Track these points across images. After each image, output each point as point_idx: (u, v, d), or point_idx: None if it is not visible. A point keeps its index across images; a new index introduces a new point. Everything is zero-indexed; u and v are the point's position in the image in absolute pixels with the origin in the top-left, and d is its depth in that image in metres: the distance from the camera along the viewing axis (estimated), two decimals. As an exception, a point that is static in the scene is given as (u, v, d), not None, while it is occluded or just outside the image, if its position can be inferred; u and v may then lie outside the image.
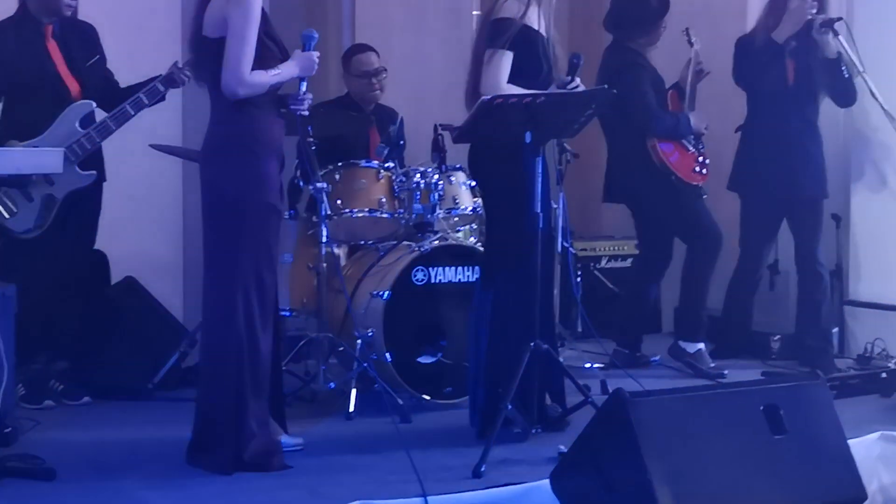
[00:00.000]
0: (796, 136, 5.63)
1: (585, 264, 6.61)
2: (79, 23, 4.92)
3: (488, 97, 4.17)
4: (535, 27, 4.38)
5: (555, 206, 5.32)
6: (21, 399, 4.74)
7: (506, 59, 4.34)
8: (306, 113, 4.19)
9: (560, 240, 5.53)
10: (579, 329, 6.20)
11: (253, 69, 3.91)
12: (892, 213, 5.99)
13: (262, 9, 3.96)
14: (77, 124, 4.72)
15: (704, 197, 5.73)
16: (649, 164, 5.62)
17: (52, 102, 4.73)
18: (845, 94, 5.67)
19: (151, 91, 4.76)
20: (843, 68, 5.55)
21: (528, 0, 4.37)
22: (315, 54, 4.11)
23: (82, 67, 4.87)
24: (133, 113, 4.75)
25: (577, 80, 4.40)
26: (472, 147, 4.56)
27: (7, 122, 4.71)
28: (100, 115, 4.82)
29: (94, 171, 4.77)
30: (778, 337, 6.00)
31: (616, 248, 6.69)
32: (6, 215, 4.59)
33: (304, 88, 4.13)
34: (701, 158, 5.71)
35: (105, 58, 4.99)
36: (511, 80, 4.35)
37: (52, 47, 4.82)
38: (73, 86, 4.83)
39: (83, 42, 4.91)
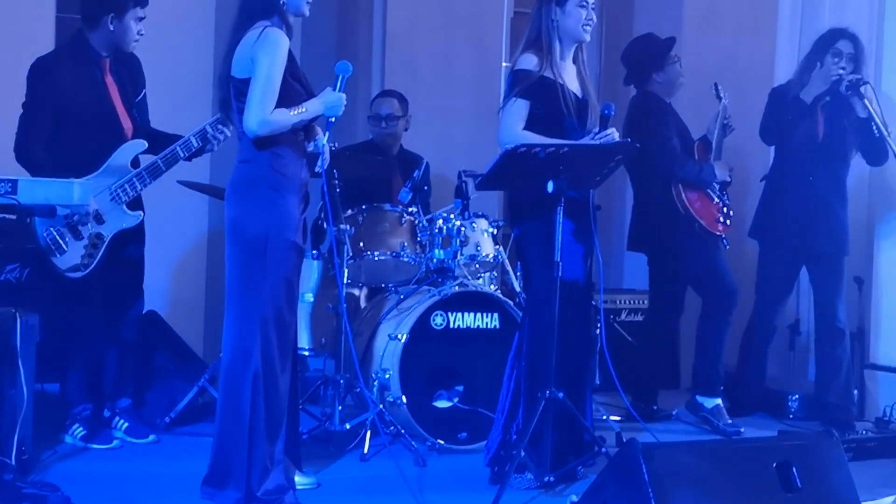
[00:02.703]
0: (821, 191, 5.65)
1: (605, 316, 6.60)
2: (127, 55, 4.87)
3: (511, 146, 4.22)
4: (553, 78, 4.44)
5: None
6: (83, 439, 4.78)
7: (519, 107, 4.42)
8: (319, 170, 4.16)
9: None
10: (597, 381, 6.19)
11: (277, 108, 3.97)
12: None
13: (290, 50, 4.02)
14: (129, 163, 4.72)
15: (727, 248, 5.75)
16: (674, 210, 5.65)
17: (105, 138, 4.70)
18: (877, 153, 5.69)
19: (202, 134, 4.73)
20: (875, 128, 5.57)
21: (547, 52, 4.43)
22: (343, 95, 4.15)
23: (133, 103, 4.86)
24: (183, 156, 4.74)
25: (612, 130, 4.43)
26: (511, 195, 4.63)
27: (57, 153, 4.66)
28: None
29: (140, 212, 4.76)
30: (796, 396, 5.98)
31: (636, 301, 6.69)
32: (57, 254, 4.54)
33: (324, 142, 4.11)
34: (725, 210, 5.73)
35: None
36: (533, 129, 4.41)
37: (110, 82, 4.80)
38: (126, 123, 4.81)
39: (132, 76, 4.90)
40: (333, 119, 4.14)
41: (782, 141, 5.76)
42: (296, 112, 4.02)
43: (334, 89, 4.13)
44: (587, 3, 4.45)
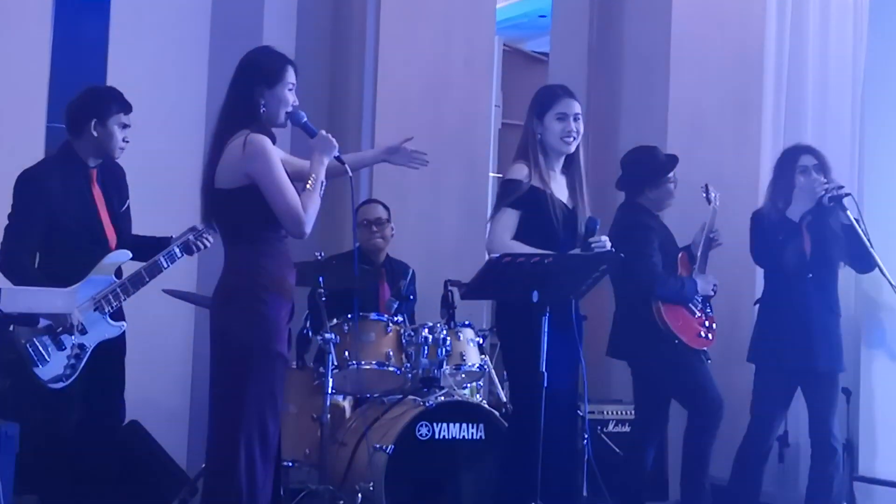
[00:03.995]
0: (815, 308, 5.58)
1: (592, 427, 6.55)
2: (112, 164, 4.88)
3: (497, 256, 4.25)
4: (542, 188, 4.48)
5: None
6: None
7: (508, 217, 4.47)
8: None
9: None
10: (584, 493, 6.11)
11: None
12: (904, 388, 5.98)
13: None
14: (112, 273, 4.70)
15: (709, 362, 5.71)
16: (653, 325, 5.61)
17: (90, 248, 4.68)
18: (864, 261, 5.69)
19: (185, 245, 4.74)
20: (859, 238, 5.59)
21: (534, 164, 4.48)
22: (323, 132, 4.15)
23: (117, 213, 4.86)
24: (167, 266, 4.72)
25: (605, 237, 4.47)
26: (497, 305, 4.63)
27: (42, 263, 4.65)
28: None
29: (123, 322, 4.73)
30: (786, 510, 5.92)
31: (624, 412, 6.64)
32: (39, 364, 4.49)
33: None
34: (707, 322, 5.71)
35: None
36: (522, 238, 4.44)
37: (97, 193, 4.80)
38: (111, 233, 4.80)
39: (117, 186, 4.90)
40: (338, 154, 4.15)
41: (773, 263, 5.74)
42: (310, 184, 4.03)
43: (312, 136, 4.15)
44: (566, 115, 4.51)
